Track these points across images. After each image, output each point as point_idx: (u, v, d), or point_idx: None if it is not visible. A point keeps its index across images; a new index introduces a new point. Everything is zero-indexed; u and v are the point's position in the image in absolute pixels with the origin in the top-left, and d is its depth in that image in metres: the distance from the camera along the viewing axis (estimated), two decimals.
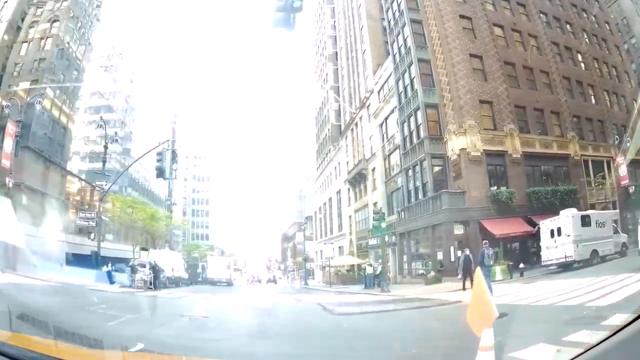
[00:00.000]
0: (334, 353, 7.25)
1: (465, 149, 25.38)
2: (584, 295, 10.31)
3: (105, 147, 25.81)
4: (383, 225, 21.74)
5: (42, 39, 38.08)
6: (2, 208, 11.11)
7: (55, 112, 41.31)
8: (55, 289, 17.38)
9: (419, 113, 28.16)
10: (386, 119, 37.15)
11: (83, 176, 41.03)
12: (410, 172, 29.23)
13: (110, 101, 62.61)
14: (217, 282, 34.95)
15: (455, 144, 25.62)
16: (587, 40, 38.10)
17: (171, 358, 4.49)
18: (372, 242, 35.33)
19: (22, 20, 41.99)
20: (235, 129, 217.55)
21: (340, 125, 57.61)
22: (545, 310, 9.98)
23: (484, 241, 18.42)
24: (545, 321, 8.00)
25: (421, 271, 26.21)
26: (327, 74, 63.78)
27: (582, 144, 30.58)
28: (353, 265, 41.49)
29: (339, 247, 50.51)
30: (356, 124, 46.64)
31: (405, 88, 30.81)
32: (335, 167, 53.57)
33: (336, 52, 63.03)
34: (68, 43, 47.37)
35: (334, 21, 65.54)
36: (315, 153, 70.42)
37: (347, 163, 48.17)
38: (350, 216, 45.90)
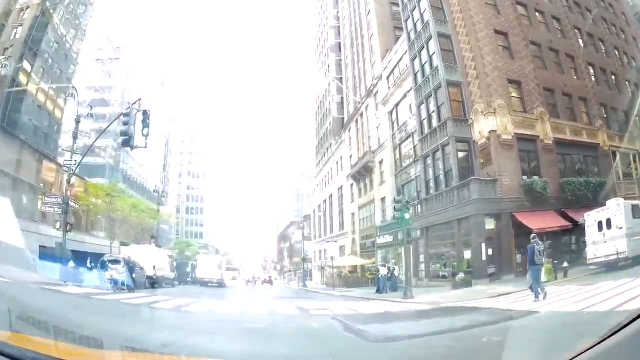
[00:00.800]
0: None
1: (496, 131, 22.08)
2: None
3: (77, 121, 22.17)
4: (407, 216, 18.16)
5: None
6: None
7: (36, 93, 38.18)
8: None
9: (441, 92, 24.84)
10: (397, 105, 33.83)
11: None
12: (429, 159, 25.88)
13: (105, 95, 59.86)
14: (208, 282, 31.56)
15: (483, 126, 22.31)
16: (607, 29, 35.63)
17: (171, 358, 4.31)
18: (382, 240, 31.92)
19: None
20: (232, 125, 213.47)
21: (342, 118, 54.30)
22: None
23: (532, 235, 15.03)
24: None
25: (442, 273, 22.82)
26: (329, 66, 60.50)
27: (610, 134, 27.67)
28: (355, 266, 38.06)
29: (341, 247, 46.99)
30: (361, 115, 43.30)
31: (422, 67, 27.51)
32: (337, 163, 50.17)
33: (339, 42, 59.87)
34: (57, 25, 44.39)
35: (337, 11, 62.37)
36: (315, 149, 67.05)
37: (351, 157, 44.78)
38: (353, 214, 42.46)
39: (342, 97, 55.78)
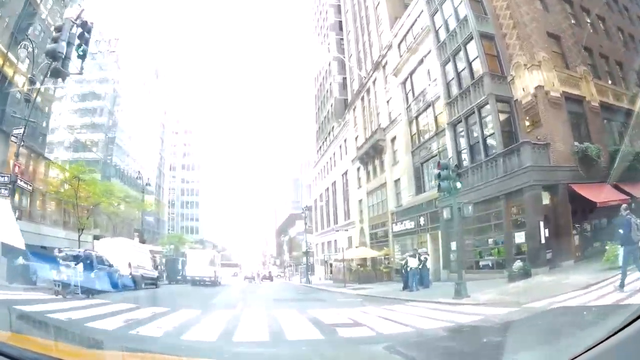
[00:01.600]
0: None
1: (542, 87, 18.03)
2: None
3: (32, 81, 17.96)
4: (458, 185, 13.71)
5: None
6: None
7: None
8: None
9: (472, 45, 20.72)
10: (411, 73, 29.69)
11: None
12: (460, 126, 21.78)
13: (96, 87, 56.07)
14: (199, 281, 27.67)
15: (527, 81, 18.24)
16: None
17: (171, 358, 3.91)
18: (399, 227, 27.90)
19: None
20: (228, 115, 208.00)
21: (344, 99, 50.21)
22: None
23: (624, 206, 11.10)
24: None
25: (484, 262, 18.77)
26: (329, 44, 56.25)
27: None
28: (365, 259, 34.08)
29: (347, 238, 43.00)
30: (368, 91, 39.16)
31: (446, 21, 23.38)
32: (341, 146, 46.06)
33: (339, 21, 55.63)
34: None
35: None
36: (315, 135, 62.90)
37: (356, 138, 40.69)
38: (360, 200, 38.42)
39: (344, 77, 51.72)
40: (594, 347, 1.65)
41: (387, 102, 34.22)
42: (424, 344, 7.07)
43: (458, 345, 6.45)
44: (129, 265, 19.07)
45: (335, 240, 45.80)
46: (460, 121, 21.48)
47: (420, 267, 17.70)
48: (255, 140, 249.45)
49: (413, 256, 18.22)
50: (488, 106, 19.32)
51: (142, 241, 29.51)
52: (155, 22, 78.06)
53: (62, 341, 3.24)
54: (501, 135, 18.38)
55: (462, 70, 22.21)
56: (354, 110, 42.66)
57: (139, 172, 30.59)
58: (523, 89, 18.47)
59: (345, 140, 44.60)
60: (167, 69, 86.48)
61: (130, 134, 63.48)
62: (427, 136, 27.18)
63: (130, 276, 18.80)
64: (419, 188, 27.23)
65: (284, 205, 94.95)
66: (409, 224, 25.96)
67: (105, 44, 62.66)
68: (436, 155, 25.61)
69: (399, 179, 30.61)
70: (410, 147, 29.19)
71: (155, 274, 23.19)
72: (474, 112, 20.24)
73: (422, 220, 24.35)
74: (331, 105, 52.81)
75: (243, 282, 44.15)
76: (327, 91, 56.22)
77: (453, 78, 23.26)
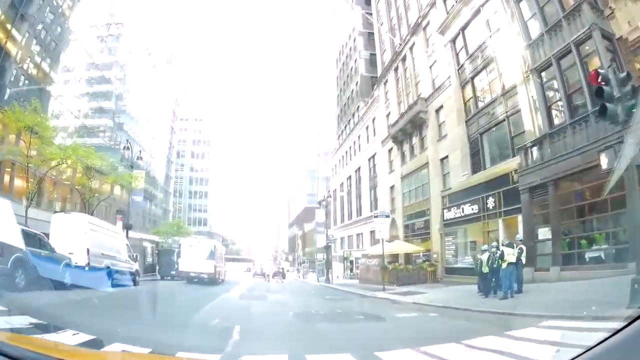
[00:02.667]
0: None
1: None
2: None
3: None
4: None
5: None
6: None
7: None
8: None
9: None
10: (463, 28, 23.79)
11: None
12: (548, 72, 15.78)
13: (106, 72, 51.62)
14: (194, 277, 22.39)
15: (634, 13, 12.37)
16: None
17: (171, 358, 3.99)
18: (452, 214, 21.88)
19: None
20: (240, 100, 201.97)
21: (372, 76, 44.36)
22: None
23: None
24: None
25: (591, 254, 12.72)
26: (355, 18, 50.34)
27: None
28: (397, 255, 28.23)
29: (371, 232, 37.15)
30: (403, 59, 33.23)
31: None
32: (367, 127, 40.24)
33: None
34: None
35: None
36: (336, 119, 57.13)
37: (388, 115, 34.84)
38: (392, 187, 32.57)
39: (371, 54, 45.92)
40: (594, 347, 1.61)
41: (430, 67, 28.31)
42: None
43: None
44: (87, 252, 13.50)
45: (360, 234, 40.04)
46: (550, 65, 15.40)
47: (515, 262, 11.68)
48: (269, 129, 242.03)
49: (510, 246, 12.14)
50: (590, 42, 13.33)
51: (128, 227, 24.09)
52: (170, 6, 73.28)
53: (62, 341, 3.26)
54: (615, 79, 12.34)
55: (545, 4, 16.20)
56: (384, 84, 36.75)
57: (127, 141, 25.03)
58: (629, 22, 12.52)
59: (373, 120, 38.78)
60: (179, 54, 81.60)
61: (138, 120, 58.79)
62: (487, 99, 21.25)
63: (87, 267, 13.21)
64: (477, 165, 21.33)
65: (298, 199, 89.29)
66: (468, 209, 20.00)
67: (116, 28, 58.33)
68: (502, 121, 19.70)
69: (446, 156, 24.71)
70: (464, 115, 23.26)
71: (133, 266, 17.50)
72: (570, 51, 14.19)
73: (491, 203, 18.40)
74: (356, 84, 46.97)
75: (252, 280, 38.55)
76: (351, 69, 50.41)
77: (534, 14, 17.25)
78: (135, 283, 17.17)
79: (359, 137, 42.92)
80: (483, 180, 19.54)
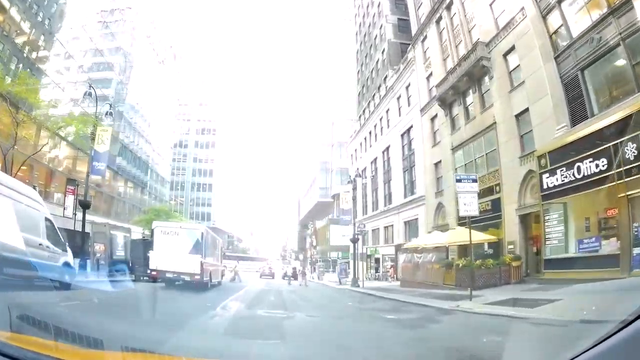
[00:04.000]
0: None
1: None
2: None
3: None
4: None
5: None
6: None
7: None
8: None
9: None
10: None
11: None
12: None
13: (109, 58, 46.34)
14: (175, 279, 15.59)
15: None
16: None
17: (171, 358, 4.00)
18: (559, 179, 14.71)
19: None
20: (248, 86, 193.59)
21: (400, 43, 37.66)
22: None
23: None
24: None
25: None
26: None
27: None
28: (446, 248, 21.25)
29: (405, 223, 30.32)
30: (448, 7, 26.41)
31: None
32: (399, 97, 33.46)
33: None
34: None
35: None
36: (357, 98, 50.40)
37: (429, 77, 28.07)
38: (438, 163, 25.78)
39: (399, 18, 39.27)
40: (593, 347, 1.58)
41: (490, 5, 21.47)
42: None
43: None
44: None
45: (388, 227, 33.26)
46: None
47: None
48: (279, 118, 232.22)
49: None
50: None
51: (85, 205, 17.42)
52: None
53: (62, 341, 3.14)
54: None
55: None
56: (422, 42, 29.93)
57: (89, 86, 18.25)
58: None
59: (407, 88, 31.99)
60: (184, 36, 75.42)
61: (139, 106, 52.87)
62: (586, 22, 14.52)
63: None
64: (579, 113, 14.61)
65: (309, 194, 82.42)
66: (586, 169, 12.90)
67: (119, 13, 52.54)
68: (616, 46, 12.96)
69: (525, 110, 17.95)
70: (551, 51, 16.47)
71: (57, 257, 10.90)
72: None
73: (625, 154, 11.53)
74: (382, 52, 40.12)
75: (259, 282, 31.91)
76: (375, 38, 43.64)
77: None
78: (66, 285, 10.43)
79: (387, 111, 36.13)
80: (591, 132, 12.78)
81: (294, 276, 43.06)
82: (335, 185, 67.23)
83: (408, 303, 13.58)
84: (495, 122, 20.28)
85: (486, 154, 21.04)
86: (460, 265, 16.26)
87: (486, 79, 21.62)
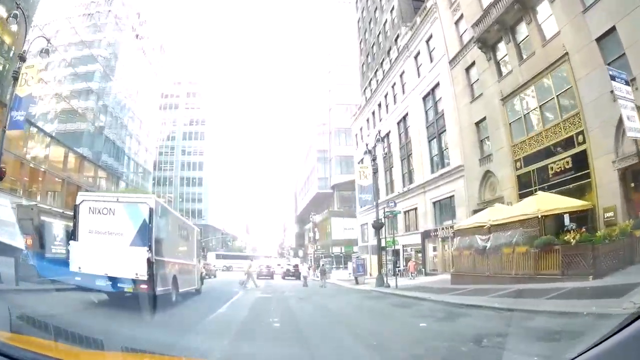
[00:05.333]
0: None
1: None
2: None
3: None
4: None
5: None
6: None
7: None
8: None
9: None
10: None
11: None
12: None
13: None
14: (107, 289, 9.10)
15: None
16: None
17: (171, 358, 3.91)
18: None
19: None
20: (239, 73, 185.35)
21: None
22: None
23: None
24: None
25: None
26: None
27: None
28: (533, 220, 15.60)
29: (434, 203, 24.83)
30: None
31: None
32: (417, 55, 28.00)
33: None
34: None
35: None
36: (360, 70, 44.81)
37: (458, 22, 22.66)
38: (480, 122, 20.32)
39: None
40: (593, 347, 1.57)
41: None
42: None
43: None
44: None
45: (410, 211, 27.75)
46: None
47: None
48: (273, 106, 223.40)
49: None
50: None
51: None
52: None
53: (62, 341, 3.13)
54: None
55: None
56: None
57: (17, 4, 12.71)
58: None
59: (428, 41, 26.48)
60: (171, 18, 69.43)
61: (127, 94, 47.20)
62: None
63: None
64: None
65: (306, 188, 76.78)
66: None
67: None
68: None
69: (610, 29, 12.67)
70: None
71: None
72: None
73: None
74: (392, 11, 34.57)
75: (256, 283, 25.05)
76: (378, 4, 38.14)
77: None
78: None
79: (401, 74, 30.61)
80: None
81: (295, 275, 37.46)
82: (335, 175, 61.85)
83: (533, 312, 8.07)
84: (566, 53, 14.89)
85: (556, 96, 15.60)
86: (574, 241, 10.68)
87: (544, 2, 16.28)
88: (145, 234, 9.30)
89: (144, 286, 8.86)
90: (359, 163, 31.43)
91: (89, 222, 9.45)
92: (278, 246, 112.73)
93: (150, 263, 9.08)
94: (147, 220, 9.38)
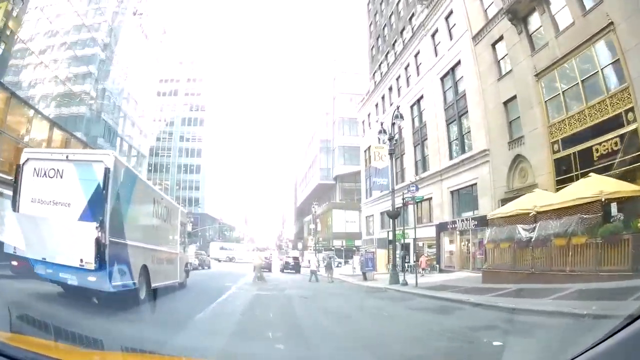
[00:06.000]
0: None
1: None
2: None
3: None
4: None
5: None
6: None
7: None
8: None
9: None
10: None
11: None
12: None
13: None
14: (49, 277, 6.97)
15: None
16: None
17: (171, 358, 3.90)
18: None
19: None
20: (240, 57, 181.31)
21: None
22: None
23: None
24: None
25: None
26: None
27: None
28: (594, 206, 13.64)
29: (453, 192, 22.90)
30: None
31: None
32: (435, 34, 25.99)
33: None
34: None
35: None
36: (369, 53, 42.63)
37: None
38: (509, 100, 18.34)
39: None
40: (593, 347, 1.56)
41: None
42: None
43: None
44: None
45: (425, 200, 25.66)
46: None
47: None
48: (275, 93, 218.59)
49: None
50: None
51: None
52: None
53: (62, 341, 3.09)
54: None
55: None
56: None
57: None
58: None
59: (447, 18, 24.43)
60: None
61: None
62: None
63: None
64: None
65: (308, 177, 74.81)
66: None
67: None
68: None
69: None
70: None
71: None
72: None
73: None
74: None
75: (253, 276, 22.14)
76: None
77: None
78: None
79: (416, 55, 28.57)
80: None
81: (295, 268, 35.55)
82: (338, 165, 59.90)
83: None
84: (611, 23, 12.91)
85: (601, 70, 13.61)
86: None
87: None
88: (99, 206, 7.00)
89: (91, 278, 6.71)
90: (368, 149, 29.36)
91: (32, 188, 7.25)
92: (276, 238, 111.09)
93: (100, 245, 6.77)
94: (102, 186, 7.06)
